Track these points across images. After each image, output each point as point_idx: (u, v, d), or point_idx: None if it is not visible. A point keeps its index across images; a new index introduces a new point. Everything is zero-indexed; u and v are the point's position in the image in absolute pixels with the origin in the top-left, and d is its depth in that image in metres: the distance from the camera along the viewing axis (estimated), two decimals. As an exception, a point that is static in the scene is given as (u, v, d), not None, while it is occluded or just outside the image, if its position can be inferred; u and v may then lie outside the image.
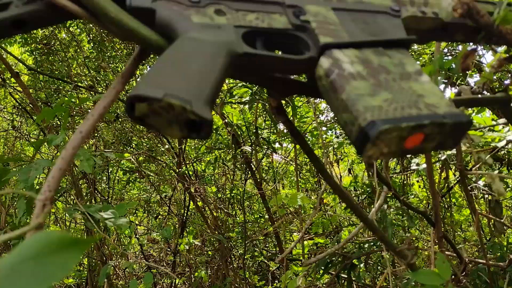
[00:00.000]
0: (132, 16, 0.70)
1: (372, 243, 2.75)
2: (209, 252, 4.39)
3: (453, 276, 2.75)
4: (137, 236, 4.36)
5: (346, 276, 2.88)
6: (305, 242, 4.26)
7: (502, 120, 1.62)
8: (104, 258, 2.45)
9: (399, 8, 0.81)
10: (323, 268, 2.94)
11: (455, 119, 0.64)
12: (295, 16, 0.74)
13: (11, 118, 5.06)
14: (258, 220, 5.02)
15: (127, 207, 2.00)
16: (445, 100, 0.67)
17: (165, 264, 4.13)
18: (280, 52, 0.81)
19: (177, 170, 3.58)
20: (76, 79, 3.57)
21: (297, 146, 3.87)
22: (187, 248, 3.50)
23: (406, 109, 0.64)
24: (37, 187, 1.81)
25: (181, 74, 0.59)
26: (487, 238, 2.99)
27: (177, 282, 4.24)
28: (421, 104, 0.65)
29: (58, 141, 1.80)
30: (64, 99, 1.92)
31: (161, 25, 0.70)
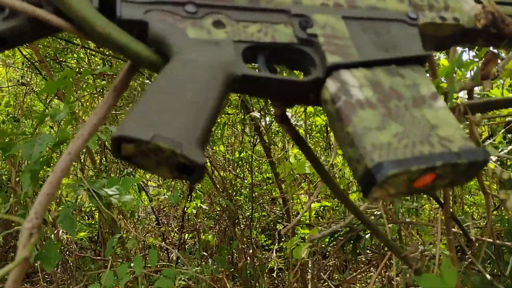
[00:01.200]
0: (122, 30, 0.64)
1: (378, 217, 2.74)
2: (217, 211, 4.42)
3: (459, 254, 2.75)
4: (148, 194, 4.40)
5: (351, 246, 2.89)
6: (312, 205, 4.28)
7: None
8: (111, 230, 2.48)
9: (416, 15, 0.73)
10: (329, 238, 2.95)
11: (470, 158, 0.58)
12: (301, 27, 0.68)
13: (21, 74, 5.03)
14: (266, 181, 5.03)
15: (132, 182, 1.98)
16: (460, 132, 0.62)
17: (173, 225, 4.18)
18: (283, 67, 0.75)
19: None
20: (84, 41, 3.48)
21: (307, 110, 3.80)
22: (195, 212, 3.52)
23: (418, 146, 0.58)
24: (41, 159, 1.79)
25: (172, 109, 0.54)
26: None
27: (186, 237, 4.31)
28: (434, 138, 0.60)
29: (61, 116, 1.76)
30: (67, 71, 1.86)
31: (154, 39, 0.64)
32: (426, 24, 0.77)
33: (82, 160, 3.93)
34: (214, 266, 4.14)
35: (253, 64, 0.70)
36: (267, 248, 5.17)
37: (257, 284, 4.31)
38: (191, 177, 0.54)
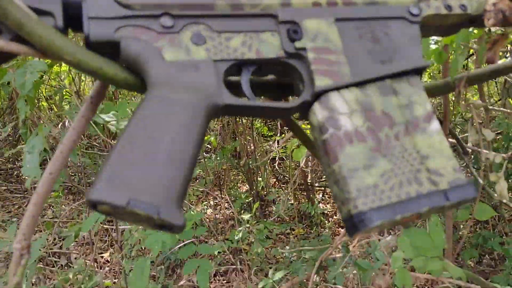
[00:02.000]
0: (92, 51, 0.59)
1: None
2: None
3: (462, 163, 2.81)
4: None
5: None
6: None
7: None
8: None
9: (419, 9, 0.66)
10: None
11: (459, 198, 0.57)
12: (289, 39, 0.62)
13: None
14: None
15: (130, 106, 1.96)
16: (451, 163, 0.60)
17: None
18: (269, 76, 0.70)
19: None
20: None
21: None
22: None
23: (405, 187, 0.57)
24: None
25: (148, 165, 0.52)
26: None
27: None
28: (423, 174, 0.58)
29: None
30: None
31: (128, 61, 0.59)
32: (430, 16, 0.70)
33: (78, 84, 3.85)
34: (218, 159, 4.27)
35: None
36: (269, 140, 5.28)
37: (259, 172, 4.49)
38: (171, 231, 0.54)
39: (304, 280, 2.26)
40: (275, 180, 4.75)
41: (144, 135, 0.54)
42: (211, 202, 4.70)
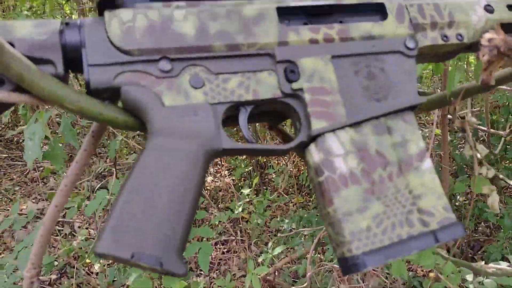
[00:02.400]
0: (92, 97, 0.60)
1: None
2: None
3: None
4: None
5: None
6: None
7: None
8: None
9: (415, 43, 0.67)
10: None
11: (448, 237, 0.60)
12: (287, 79, 0.63)
13: None
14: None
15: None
16: (442, 202, 0.63)
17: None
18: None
19: None
20: None
21: None
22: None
23: (397, 229, 0.60)
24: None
25: (149, 219, 0.54)
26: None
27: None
28: (414, 215, 0.61)
29: None
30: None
31: (128, 105, 0.61)
32: (426, 47, 0.71)
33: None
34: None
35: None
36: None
37: (258, 141, 4.51)
38: (174, 276, 0.57)
39: (305, 257, 2.33)
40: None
41: (146, 188, 0.56)
42: (211, 170, 4.76)
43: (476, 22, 0.73)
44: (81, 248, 3.20)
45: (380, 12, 0.71)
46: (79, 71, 0.62)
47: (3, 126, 5.36)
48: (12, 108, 2.05)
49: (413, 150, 0.64)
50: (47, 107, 1.96)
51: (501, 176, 2.74)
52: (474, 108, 2.91)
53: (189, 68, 0.63)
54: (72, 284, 3.21)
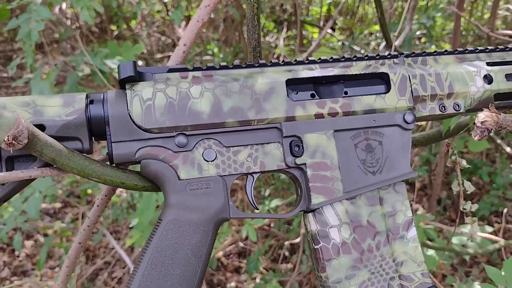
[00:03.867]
0: (115, 167, 0.67)
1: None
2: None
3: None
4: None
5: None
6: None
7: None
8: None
9: (414, 117, 0.73)
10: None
11: None
12: (291, 153, 0.70)
13: None
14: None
15: (135, 51, 1.98)
16: (421, 269, 0.72)
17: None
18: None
19: None
20: None
21: None
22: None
23: None
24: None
25: (166, 285, 0.63)
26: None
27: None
28: (395, 281, 0.71)
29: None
30: None
31: (147, 176, 0.68)
32: (424, 116, 0.76)
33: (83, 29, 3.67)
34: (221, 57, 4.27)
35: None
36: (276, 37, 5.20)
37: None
38: None
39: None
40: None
41: (163, 262, 0.65)
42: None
43: (474, 92, 0.77)
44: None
45: (384, 81, 0.75)
46: (103, 139, 0.68)
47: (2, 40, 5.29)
48: (20, 61, 2.07)
49: (401, 220, 0.72)
50: (54, 64, 1.98)
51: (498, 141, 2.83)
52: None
53: (203, 142, 0.69)
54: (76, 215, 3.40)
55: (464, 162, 0.92)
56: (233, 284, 2.89)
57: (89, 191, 3.42)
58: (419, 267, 0.72)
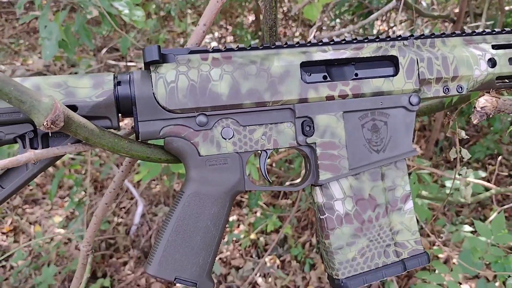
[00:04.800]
0: (141, 144, 0.73)
1: None
2: None
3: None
4: None
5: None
6: None
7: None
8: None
9: (419, 99, 0.78)
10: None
11: (414, 266, 0.79)
12: (303, 132, 0.76)
13: None
14: None
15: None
16: (414, 237, 0.81)
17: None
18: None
19: None
20: None
21: None
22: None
23: (375, 259, 0.79)
24: None
25: (188, 252, 0.73)
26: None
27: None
28: (391, 248, 0.79)
29: None
30: None
31: (170, 151, 0.74)
32: (428, 98, 0.81)
33: None
34: None
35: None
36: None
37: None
38: None
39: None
40: (283, 16, 4.72)
41: (186, 229, 0.73)
42: (215, 34, 4.77)
43: (477, 76, 0.81)
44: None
45: (393, 64, 0.79)
46: (129, 117, 0.73)
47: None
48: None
49: (399, 193, 0.79)
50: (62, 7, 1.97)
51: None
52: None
53: (221, 121, 0.74)
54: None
55: (463, 133, 0.98)
56: (234, 217, 3.05)
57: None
58: (413, 235, 0.80)
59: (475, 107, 0.78)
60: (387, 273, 0.78)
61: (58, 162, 3.50)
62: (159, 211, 3.01)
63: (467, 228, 2.30)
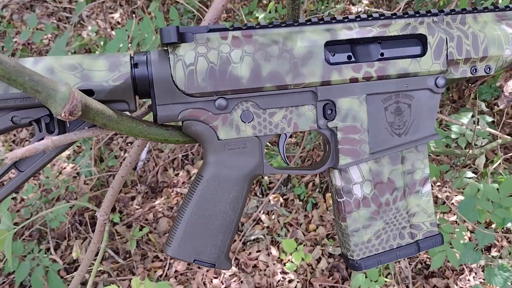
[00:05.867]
0: (160, 126, 0.72)
1: None
2: None
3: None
4: None
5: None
6: None
7: None
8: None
9: (445, 82, 0.76)
10: None
11: (428, 247, 0.81)
12: (324, 117, 0.74)
13: None
14: None
15: None
16: (430, 219, 0.82)
17: None
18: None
19: None
20: None
21: None
22: None
23: (390, 240, 0.81)
24: None
25: (206, 233, 0.75)
26: None
27: None
28: (406, 230, 0.81)
29: None
30: None
31: (189, 134, 0.73)
32: (454, 79, 0.78)
33: None
34: None
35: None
36: None
37: None
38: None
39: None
40: None
41: (205, 212, 0.73)
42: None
43: (507, 56, 0.78)
44: (90, 39, 3.32)
45: (421, 42, 0.76)
46: (147, 98, 0.71)
47: None
48: None
49: (418, 176, 0.79)
50: None
51: None
52: None
53: (241, 104, 0.72)
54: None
55: (483, 105, 0.95)
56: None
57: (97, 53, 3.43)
58: (429, 217, 0.80)
59: (502, 91, 0.76)
60: (401, 254, 0.80)
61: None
62: (164, 147, 3.03)
63: (470, 174, 2.32)
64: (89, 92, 0.66)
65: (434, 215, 0.81)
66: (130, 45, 2.19)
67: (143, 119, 0.72)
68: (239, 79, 0.70)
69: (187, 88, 0.69)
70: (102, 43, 3.41)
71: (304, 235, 2.64)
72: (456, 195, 2.71)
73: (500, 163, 1.95)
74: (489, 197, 1.30)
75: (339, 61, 0.74)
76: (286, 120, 0.74)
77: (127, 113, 0.71)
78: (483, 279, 2.52)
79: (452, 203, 2.85)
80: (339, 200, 0.78)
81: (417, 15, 0.76)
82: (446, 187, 2.81)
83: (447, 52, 0.75)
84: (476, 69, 0.78)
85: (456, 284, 2.44)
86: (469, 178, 2.28)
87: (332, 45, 0.73)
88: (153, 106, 0.70)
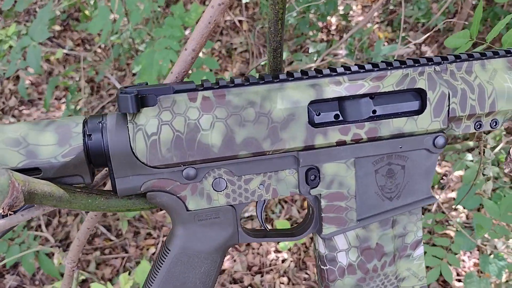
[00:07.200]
0: (119, 199, 0.65)
1: None
2: None
3: None
4: None
5: None
6: None
7: None
8: None
9: (444, 141, 0.68)
10: None
11: None
12: (307, 183, 0.66)
13: None
14: None
15: None
16: (422, 282, 0.76)
17: None
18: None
19: None
20: None
21: None
22: None
23: None
24: None
25: None
26: None
27: None
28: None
29: None
30: None
31: (155, 204, 0.66)
32: (454, 134, 0.69)
33: None
34: None
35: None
36: None
37: None
38: None
39: None
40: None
41: (173, 285, 0.66)
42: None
43: None
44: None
45: (419, 96, 0.66)
46: (105, 167, 0.63)
47: None
48: None
49: (410, 240, 0.72)
50: None
51: None
52: None
53: (213, 171, 0.64)
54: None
55: (490, 140, 0.86)
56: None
57: (87, 12, 3.28)
58: (419, 281, 0.74)
59: (509, 154, 0.67)
60: None
61: (50, 66, 3.34)
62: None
63: (470, 157, 2.25)
64: (36, 170, 0.58)
65: (425, 279, 0.74)
66: (114, 23, 2.06)
67: (101, 189, 0.64)
68: (209, 147, 0.61)
69: (150, 160, 0.60)
70: (92, 1, 3.25)
71: (298, 212, 2.61)
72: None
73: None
74: (490, 213, 1.23)
75: (324, 121, 0.65)
76: (264, 187, 0.66)
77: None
78: (477, 259, 2.51)
79: (451, 178, 2.81)
80: (322, 267, 0.71)
81: (416, 64, 0.66)
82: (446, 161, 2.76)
83: (449, 108, 0.66)
84: (481, 125, 0.69)
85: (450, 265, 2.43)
86: (470, 161, 2.21)
87: (318, 104, 0.64)
88: (111, 178, 0.62)
